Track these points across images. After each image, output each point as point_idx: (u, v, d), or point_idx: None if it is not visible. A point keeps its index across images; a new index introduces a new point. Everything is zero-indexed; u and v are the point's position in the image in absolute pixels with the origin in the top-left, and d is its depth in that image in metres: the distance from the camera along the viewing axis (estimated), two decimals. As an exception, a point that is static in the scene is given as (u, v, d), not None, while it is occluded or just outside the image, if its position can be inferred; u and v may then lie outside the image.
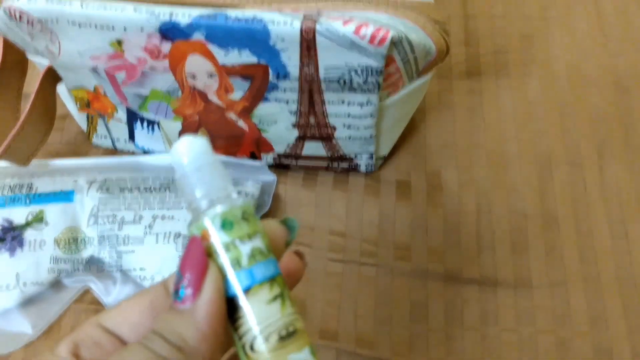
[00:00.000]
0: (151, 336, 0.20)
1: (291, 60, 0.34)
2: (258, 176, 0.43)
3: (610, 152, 0.45)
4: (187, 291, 0.20)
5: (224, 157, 0.43)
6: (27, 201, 0.42)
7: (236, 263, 0.21)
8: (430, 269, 0.42)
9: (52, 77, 0.40)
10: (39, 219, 0.41)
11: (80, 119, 0.45)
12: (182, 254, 0.21)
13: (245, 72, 0.35)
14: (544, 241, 0.42)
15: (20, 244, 0.41)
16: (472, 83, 0.48)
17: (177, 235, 0.41)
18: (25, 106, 0.40)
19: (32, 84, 0.41)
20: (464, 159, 0.45)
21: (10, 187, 0.42)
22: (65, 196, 0.42)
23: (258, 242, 0.21)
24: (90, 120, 0.44)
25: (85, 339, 0.21)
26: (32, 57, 0.40)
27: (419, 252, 0.42)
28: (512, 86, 0.48)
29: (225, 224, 0.21)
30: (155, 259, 0.41)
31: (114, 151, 0.46)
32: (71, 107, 0.44)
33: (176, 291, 0.21)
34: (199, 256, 0.21)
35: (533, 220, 0.43)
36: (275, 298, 0.21)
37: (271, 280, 0.21)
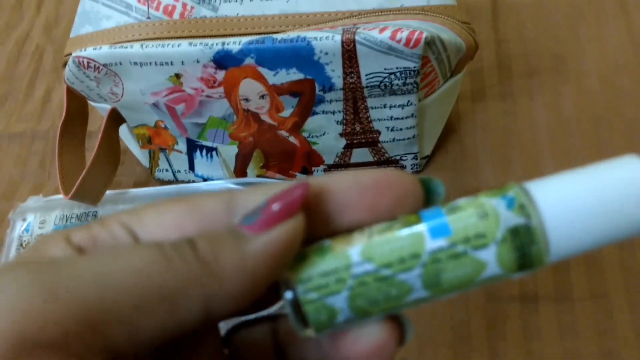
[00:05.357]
0: (180, 241, 0.17)
1: (335, 71, 0.37)
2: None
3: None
4: (261, 218, 0.17)
5: (264, 179, 0.47)
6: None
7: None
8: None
9: (115, 120, 0.44)
10: None
11: (142, 156, 0.48)
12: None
13: (293, 88, 0.39)
14: (584, 255, 0.43)
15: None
16: (506, 105, 0.49)
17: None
18: (89, 145, 0.44)
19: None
20: (499, 178, 0.46)
21: (77, 215, 0.47)
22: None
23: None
24: (152, 156, 0.47)
25: (105, 238, 0.17)
26: (94, 104, 0.44)
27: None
28: (546, 105, 0.49)
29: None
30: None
31: (173, 182, 0.50)
32: (133, 146, 0.48)
33: (249, 215, 0.17)
34: (297, 196, 0.17)
35: None
36: None
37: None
